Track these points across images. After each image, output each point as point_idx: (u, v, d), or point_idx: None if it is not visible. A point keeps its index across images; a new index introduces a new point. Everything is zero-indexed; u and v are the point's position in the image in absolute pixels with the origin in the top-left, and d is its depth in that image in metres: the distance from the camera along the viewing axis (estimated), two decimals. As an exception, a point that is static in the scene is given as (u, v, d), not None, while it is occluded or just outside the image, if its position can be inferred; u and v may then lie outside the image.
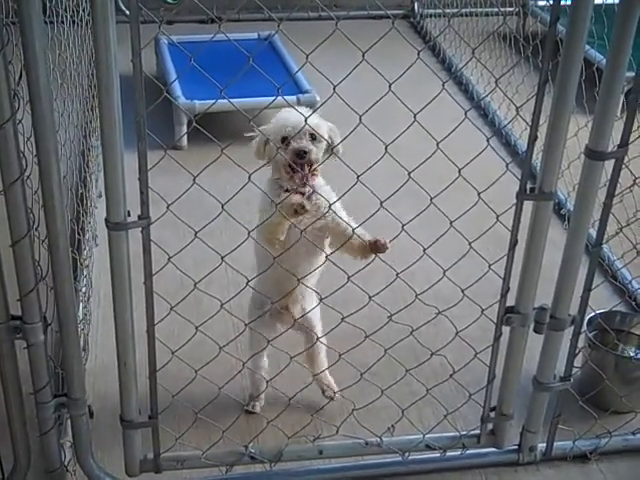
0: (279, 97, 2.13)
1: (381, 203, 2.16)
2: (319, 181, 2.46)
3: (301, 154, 2.36)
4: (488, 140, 2.14)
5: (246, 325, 2.49)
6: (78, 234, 3.36)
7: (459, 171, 2.16)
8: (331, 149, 2.45)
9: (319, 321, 2.72)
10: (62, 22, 3.51)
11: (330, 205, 2.32)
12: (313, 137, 2.38)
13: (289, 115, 2.38)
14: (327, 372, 2.79)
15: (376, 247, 2.40)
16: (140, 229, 2.05)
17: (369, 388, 2.62)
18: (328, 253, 2.43)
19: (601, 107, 2.10)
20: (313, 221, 2.33)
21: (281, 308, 2.61)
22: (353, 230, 2.37)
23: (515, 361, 2.43)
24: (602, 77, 2.08)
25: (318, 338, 2.64)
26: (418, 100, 2.13)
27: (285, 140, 2.38)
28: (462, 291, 2.33)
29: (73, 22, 3.79)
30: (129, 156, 1.96)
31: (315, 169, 2.40)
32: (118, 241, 2.05)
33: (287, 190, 2.40)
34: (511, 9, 5.98)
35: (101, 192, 3.93)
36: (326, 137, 2.41)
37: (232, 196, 2.12)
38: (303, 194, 2.40)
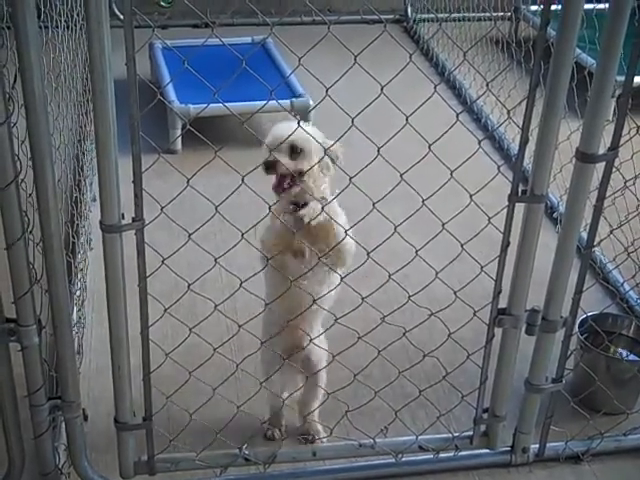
0: (272, 101, 2.15)
1: (374, 205, 2.17)
2: (322, 191, 2.39)
3: (268, 164, 2.31)
4: (480, 142, 2.16)
5: (240, 326, 2.49)
6: (72, 237, 3.36)
7: (451, 173, 2.18)
8: (326, 162, 2.37)
9: (323, 363, 2.64)
10: (56, 26, 3.52)
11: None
12: (294, 149, 2.33)
13: (278, 127, 2.34)
14: (317, 416, 2.74)
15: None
16: (134, 231, 2.06)
17: (362, 390, 2.64)
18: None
19: (592, 110, 2.12)
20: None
21: (290, 344, 2.56)
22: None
23: (507, 363, 2.45)
24: (592, 81, 2.10)
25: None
26: (411, 103, 2.14)
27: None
28: (454, 293, 2.35)
29: (67, 26, 3.79)
30: (123, 160, 1.97)
31: (297, 179, 2.33)
32: (112, 243, 2.06)
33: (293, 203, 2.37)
34: (503, 14, 6.01)
35: (95, 196, 3.93)
36: (314, 153, 2.33)
37: (225, 198, 2.14)
38: (297, 205, 2.36)
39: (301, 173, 2.32)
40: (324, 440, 2.72)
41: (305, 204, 2.36)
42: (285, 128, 2.29)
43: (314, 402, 2.71)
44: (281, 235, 2.35)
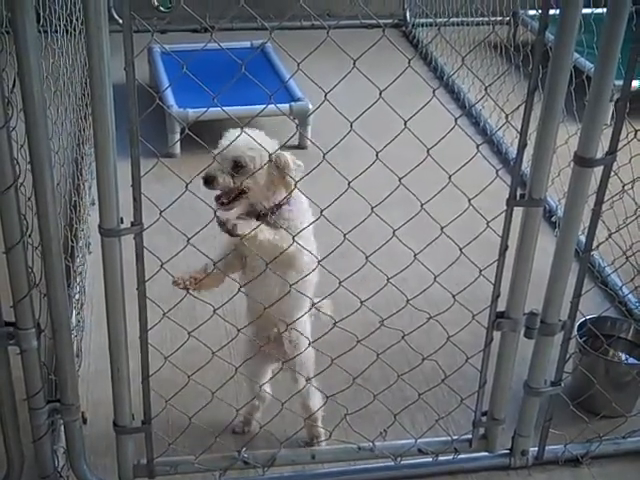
0: (271, 105, 2.15)
1: (372, 209, 2.18)
2: (274, 201, 2.35)
3: (209, 179, 2.26)
4: (478, 147, 2.16)
5: (238, 330, 2.49)
6: (71, 241, 3.37)
7: (449, 178, 2.18)
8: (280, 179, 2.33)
9: (308, 361, 2.61)
10: (55, 31, 3.53)
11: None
12: (238, 163, 2.27)
13: (227, 136, 2.30)
14: (319, 418, 2.71)
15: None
16: (133, 235, 2.06)
17: (361, 393, 2.64)
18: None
19: (590, 114, 2.12)
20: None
21: (266, 339, 2.56)
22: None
23: (506, 366, 2.45)
24: (591, 85, 2.11)
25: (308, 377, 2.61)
26: (410, 108, 2.15)
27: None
28: (453, 296, 2.35)
29: (66, 31, 3.80)
30: (122, 164, 1.98)
31: (244, 194, 2.30)
32: (111, 247, 2.06)
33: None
34: (501, 18, 6.02)
35: (94, 199, 3.94)
36: (257, 166, 2.27)
37: (226, 203, 2.14)
38: (258, 214, 2.34)
39: (243, 191, 2.29)
40: (322, 443, 2.72)
41: (260, 213, 2.34)
42: (230, 139, 2.23)
43: (308, 401, 2.68)
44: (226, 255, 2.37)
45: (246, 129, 2.17)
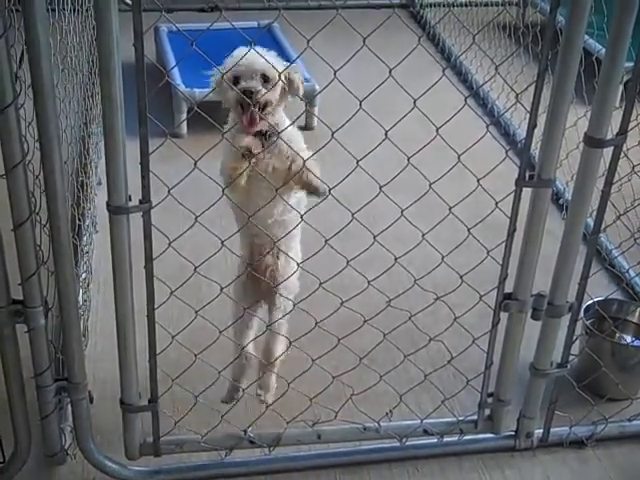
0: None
1: (380, 188, 2.17)
2: (281, 121, 2.40)
3: (247, 94, 2.29)
4: (487, 126, 2.16)
5: (244, 309, 2.49)
6: (78, 220, 3.37)
7: (458, 157, 2.17)
8: (289, 91, 2.40)
9: (290, 295, 2.62)
10: (63, 8, 3.51)
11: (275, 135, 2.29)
12: (265, 78, 2.32)
13: (243, 53, 2.30)
14: (275, 370, 2.67)
15: (310, 190, 2.37)
16: (141, 214, 2.06)
17: (367, 374, 2.64)
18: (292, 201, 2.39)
19: (600, 95, 2.11)
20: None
21: (257, 268, 2.53)
22: (304, 162, 2.33)
23: (512, 347, 2.45)
24: (601, 66, 2.09)
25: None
26: (418, 88, 2.14)
27: (236, 80, 2.33)
28: (460, 277, 2.35)
29: (74, 8, 3.79)
30: (130, 143, 1.97)
31: (265, 110, 2.34)
32: (119, 225, 2.06)
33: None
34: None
35: (101, 179, 3.94)
36: (281, 78, 2.33)
37: (232, 181, 2.14)
38: (262, 134, 2.35)
39: (266, 104, 2.33)
40: (269, 399, 2.67)
41: (267, 132, 2.36)
42: (250, 54, 2.25)
43: (275, 340, 2.64)
44: (240, 158, 2.31)
45: (248, 48, 2.24)
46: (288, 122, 2.41)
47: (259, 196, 2.35)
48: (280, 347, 2.66)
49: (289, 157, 2.36)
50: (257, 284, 2.57)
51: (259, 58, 2.26)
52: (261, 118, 2.33)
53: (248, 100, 2.29)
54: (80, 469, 2.55)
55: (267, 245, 2.48)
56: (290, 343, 2.55)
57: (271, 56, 2.34)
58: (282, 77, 2.33)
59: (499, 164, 2.26)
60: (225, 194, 2.23)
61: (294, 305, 2.60)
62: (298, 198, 2.47)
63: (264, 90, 2.30)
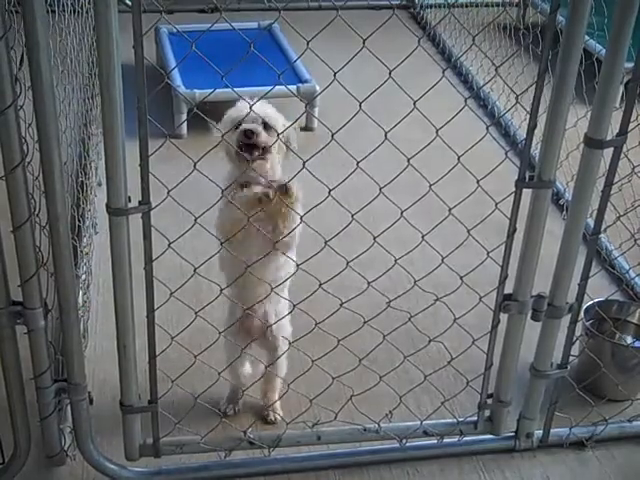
0: (279, 86, 2.15)
1: (380, 189, 2.17)
2: (278, 175, 2.43)
3: (248, 133, 2.35)
4: (487, 127, 2.16)
5: (244, 310, 2.49)
6: (78, 221, 3.37)
7: (458, 158, 2.17)
8: (284, 142, 2.44)
9: (285, 337, 2.64)
10: (63, 10, 3.51)
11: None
12: (266, 126, 2.39)
13: (244, 104, 2.36)
14: (276, 395, 2.75)
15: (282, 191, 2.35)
16: (140, 215, 2.06)
17: (367, 374, 2.64)
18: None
19: (600, 95, 2.11)
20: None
21: (248, 315, 2.54)
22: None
23: (512, 348, 2.45)
24: (602, 66, 2.09)
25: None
26: (418, 90, 2.14)
27: (238, 124, 2.39)
28: (460, 278, 2.35)
29: (74, 10, 3.79)
30: (129, 144, 1.97)
31: (264, 156, 2.39)
32: (118, 227, 2.06)
33: (245, 185, 2.38)
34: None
35: (101, 180, 3.94)
36: (279, 128, 2.39)
37: (231, 183, 2.14)
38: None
39: (265, 149, 2.38)
40: (275, 418, 2.73)
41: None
42: (257, 105, 2.32)
43: (274, 381, 2.71)
44: (237, 218, 2.31)
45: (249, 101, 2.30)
46: (283, 176, 2.43)
47: (250, 251, 2.37)
48: (279, 383, 2.73)
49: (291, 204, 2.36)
50: (250, 334, 2.59)
51: (261, 106, 2.35)
52: (261, 159, 2.39)
53: (247, 141, 2.36)
54: (80, 470, 2.54)
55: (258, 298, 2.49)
56: (290, 344, 2.55)
57: (270, 107, 2.43)
58: (282, 126, 2.41)
59: (499, 165, 2.26)
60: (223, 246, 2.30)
61: (290, 345, 2.65)
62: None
63: (265, 133, 2.37)
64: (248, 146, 2.38)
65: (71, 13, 3.68)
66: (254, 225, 2.27)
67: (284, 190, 2.30)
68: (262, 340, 2.60)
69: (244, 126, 2.36)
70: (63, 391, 2.36)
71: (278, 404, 2.76)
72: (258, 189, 2.34)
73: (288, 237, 2.35)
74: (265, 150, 2.39)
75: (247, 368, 2.77)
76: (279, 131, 2.36)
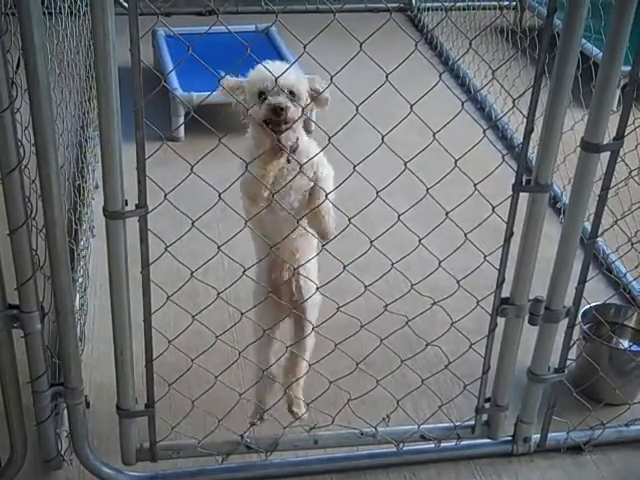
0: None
1: (377, 193, 2.17)
2: (301, 135, 2.34)
3: (277, 110, 2.21)
4: (484, 131, 2.15)
5: (242, 314, 2.48)
6: (75, 225, 3.36)
7: (455, 162, 2.17)
8: (314, 99, 2.33)
9: (315, 309, 2.58)
10: (60, 12, 3.51)
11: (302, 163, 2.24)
12: (292, 94, 2.24)
13: (270, 68, 2.19)
14: (301, 385, 2.67)
15: (320, 234, 2.35)
16: (137, 218, 2.06)
17: (364, 378, 2.64)
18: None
19: (597, 100, 2.11)
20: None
21: (278, 285, 2.50)
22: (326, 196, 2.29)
23: (510, 352, 2.45)
24: (598, 70, 2.09)
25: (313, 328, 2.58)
26: (415, 93, 2.14)
27: (262, 95, 2.24)
28: (457, 282, 2.35)
29: (71, 13, 3.79)
30: (126, 148, 1.97)
31: (291, 126, 2.25)
32: (115, 230, 2.06)
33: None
34: (508, 3, 5.99)
35: (98, 183, 3.93)
36: (306, 93, 2.28)
37: (229, 186, 2.14)
38: (282, 149, 2.27)
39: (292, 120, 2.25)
40: (305, 416, 2.66)
41: (290, 147, 2.30)
42: (275, 69, 2.18)
43: (301, 362, 2.62)
44: (261, 174, 2.25)
45: (275, 63, 2.23)
46: (305, 136, 2.36)
47: (280, 216, 2.31)
48: (304, 366, 2.64)
49: (313, 173, 2.32)
50: (279, 303, 2.51)
51: (286, 73, 2.18)
52: (288, 129, 2.25)
53: (276, 118, 2.22)
54: (76, 474, 2.54)
55: (288, 260, 2.44)
56: (286, 348, 2.55)
57: (295, 70, 2.27)
58: (306, 91, 2.30)
59: (496, 168, 2.26)
60: (243, 219, 2.24)
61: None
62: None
63: (292, 107, 2.23)
64: (274, 120, 2.23)
65: (68, 16, 3.68)
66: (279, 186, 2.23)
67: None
68: (291, 305, 2.51)
69: (271, 101, 2.20)
70: (60, 395, 2.35)
71: (302, 395, 2.68)
72: (283, 159, 2.26)
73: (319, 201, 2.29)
74: (292, 120, 2.25)
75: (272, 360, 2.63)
76: (304, 95, 2.26)
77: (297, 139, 2.33)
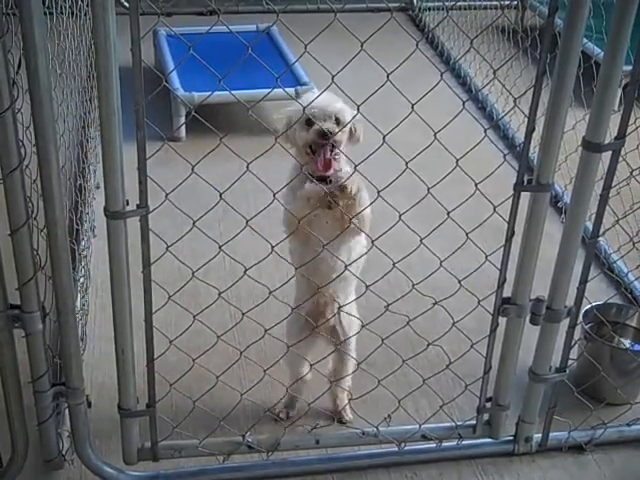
0: (277, 89, 2.14)
1: (378, 192, 2.17)
2: (344, 169, 2.38)
3: (325, 135, 2.28)
4: (485, 131, 2.15)
5: (243, 314, 2.48)
6: (76, 224, 3.36)
7: (457, 162, 2.17)
8: (351, 135, 2.40)
9: (354, 332, 2.61)
10: (61, 12, 3.51)
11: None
12: (338, 121, 2.32)
13: (314, 97, 2.27)
14: (346, 396, 2.73)
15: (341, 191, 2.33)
16: (138, 218, 2.06)
17: (366, 378, 2.64)
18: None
19: (598, 99, 2.11)
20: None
21: (317, 313, 2.54)
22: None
23: (511, 352, 2.45)
24: (600, 70, 2.09)
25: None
26: (416, 92, 2.14)
27: (309, 121, 2.32)
28: (459, 282, 2.35)
29: (72, 12, 3.79)
30: (127, 148, 1.97)
31: (337, 154, 2.33)
32: (116, 230, 2.06)
33: (317, 178, 2.32)
34: (509, 2, 5.99)
35: (99, 183, 3.93)
36: (347, 120, 2.34)
37: (230, 185, 2.14)
38: (325, 180, 2.32)
39: (335, 147, 2.32)
40: (350, 417, 2.72)
41: (328, 178, 2.33)
42: (322, 98, 2.25)
43: (344, 374, 2.68)
44: (305, 212, 2.30)
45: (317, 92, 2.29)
46: (347, 166, 2.39)
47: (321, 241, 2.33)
48: (349, 380, 2.72)
49: (354, 201, 2.33)
50: (316, 321, 2.55)
51: (332, 101, 2.29)
52: (334, 159, 2.33)
53: (323, 141, 2.29)
54: (78, 474, 2.54)
55: (328, 295, 2.49)
56: (288, 348, 2.55)
57: (340, 101, 2.35)
58: (351, 123, 2.35)
59: (497, 168, 2.26)
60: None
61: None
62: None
63: (340, 132, 2.30)
64: (320, 144, 2.31)
65: (69, 16, 3.68)
66: (323, 219, 2.29)
67: (342, 190, 2.27)
68: (330, 332, 2.57)
69: (320, 126, 2.29)
70: (61, 395, 2.35)
71: (347, 403, 2.73)
72: (317, 189, 2.30)
73: (358, 222, 2.32)
74: (335, 147, 2.32)
75: (307, 372, 2.67)
76: (349, 125, 2.32)
77: (340, 170, 2.36)
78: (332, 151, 2.32)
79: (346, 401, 2.72)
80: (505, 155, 2.18)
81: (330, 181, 2.31)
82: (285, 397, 2.72)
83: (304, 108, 2.20)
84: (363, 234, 2.40)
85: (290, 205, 2.31)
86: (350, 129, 2.37)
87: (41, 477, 2.54)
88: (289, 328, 2.60)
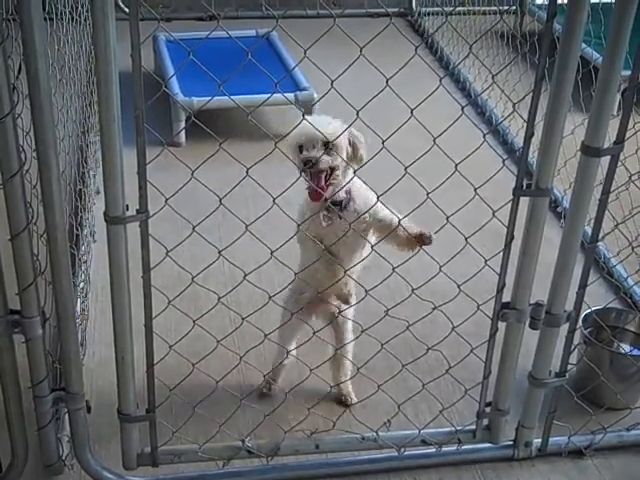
0: (277, 94, 2.15)
1: (378, 197, 2.18)
2: (352, 184, 2.42)
3: (308, 163, 2.33)
4: (485, 136, 2.16)
5: (243, 319, 2.49)
6: (76, 229, 3.37)
7: (455, 166, 2.17)
8: (353, 157, 2.43)
9: (351, 321, 2.70)
10: (61, 18, 3.52)
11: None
12: (327, 145, 2.33)
13: (306, 123, 2.29)
14: (349, 380, 2.78)
15: (421, 240, 2.39)
16: (138, 223, 2.06)
17: (365, 383, 2.64)
18: (373, 243, 2.38)
19: (597, 104, 2.11)
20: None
21: (321, 300, 2.59)
22: (399, 221, 2.35)
23: (511, 357, 2.45)
24: (598, 74, 2.10)
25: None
26: (416, 97, 2.14)
27: (301, 148, 2.36)
28: (458, 287, 2.35)
29: (72, 18, 3.79)
30: (127, 153, 1.97)
31: (333, 175, 2.36)
32: (116, 235, 2.06)
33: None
34: (508, 7, 6.00)
35: (99, 188, 3.93)
36: (343, 145, 2.37)
37: (229, 191, 2.14)
38: (339, 203, 2.40)
39: (333, 169, 2.35)
40: (354, 399, 2.77)
41: (340, 202, 2.40)
42: (320, 124, 2.29)
43: (345, 362, 2.74)
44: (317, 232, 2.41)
45: (320, 117, 2.34)
46: (360, 184, 2.42)
47: (339, 247, 2.42)
48: (350, 365, 2.77)
49: (367, 221, 2.41)
50: (316, 306, 2.63)
51: (324, 125, 2.31)
52: (329, 185, 2.36)
53: (309, 169, 2.33)
54: (77, 479, 2.53)
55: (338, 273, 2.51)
56: (287, 353, 2.55)
57: (333, 123, 2.36)
58: (345, 143, 2.37)
59: (496, 173, 2.26)
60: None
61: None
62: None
63: (326, 157, 2.32)
64: (313, 172, 2.35)
65: (69, 21, 3.69)
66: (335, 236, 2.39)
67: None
68: (329, 318, 2.65)
69: (304, 155, 2.34)
70: (61, 400, 2.35)
71: (350, 387, 2.79)
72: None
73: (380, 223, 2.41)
74: (333, 169, 2.36)
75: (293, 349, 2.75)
76: (344, 146, 2.35)
77: (348, 192, 2.41)
78: (330, 175, 2.36)
79: (349, 383, 2.76)
80: (504, 160, 2.19)
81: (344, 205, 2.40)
82: (270, 373, 2.78)
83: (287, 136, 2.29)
84: (369, 232, 2.45)
85: (304, 226, 2.37)
86: (348, 150, 2.39)
87: (41, 482, 2.54)
88: (290, 294, 2.67)
